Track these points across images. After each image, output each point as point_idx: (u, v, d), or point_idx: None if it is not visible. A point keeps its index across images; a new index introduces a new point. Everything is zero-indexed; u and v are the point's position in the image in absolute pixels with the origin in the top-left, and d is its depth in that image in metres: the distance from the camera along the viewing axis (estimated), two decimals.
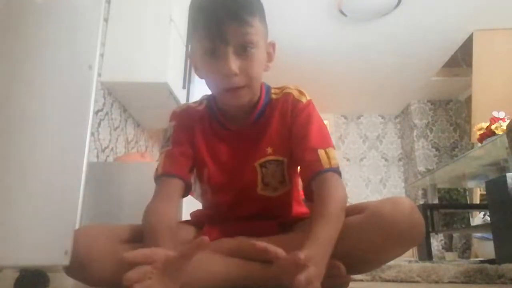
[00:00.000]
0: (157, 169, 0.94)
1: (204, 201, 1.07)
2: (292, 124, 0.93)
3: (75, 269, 0.75)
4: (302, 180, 0.91)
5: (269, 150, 0.94)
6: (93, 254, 0.77)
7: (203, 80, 0.93)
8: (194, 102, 1.03)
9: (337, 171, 0.86)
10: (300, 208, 1.03)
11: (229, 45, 0.82)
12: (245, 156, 0.95)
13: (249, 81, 0.86)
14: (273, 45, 0.95)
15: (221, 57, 0.83)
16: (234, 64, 0.82)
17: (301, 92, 0.97)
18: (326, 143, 0.89)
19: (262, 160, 0.94)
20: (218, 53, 0.83)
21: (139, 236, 0.85)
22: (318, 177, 0.85)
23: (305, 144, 0.89)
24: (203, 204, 1.09)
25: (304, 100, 0.95)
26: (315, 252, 0.68)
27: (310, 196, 0.87)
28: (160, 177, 0.92)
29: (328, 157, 0.86)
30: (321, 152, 0.87)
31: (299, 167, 0.95)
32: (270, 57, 0.94)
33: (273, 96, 0.97)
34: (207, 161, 0.96)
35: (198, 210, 1.08)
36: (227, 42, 0.82)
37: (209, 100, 1.00)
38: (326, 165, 0.85)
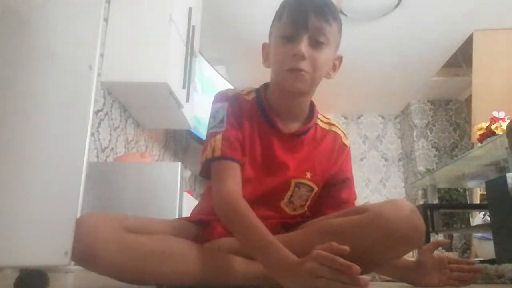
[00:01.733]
0: (213, 150, 0.91)
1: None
2: (337, 165, 1.03)
3: (80, 254, 0.74)
4: (326, 207, 1.01)
5: (308, 174, 0.99)
6: (99, 236, 0.76)
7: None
8: (243, 90, 1.03)
9: None
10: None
11: (307, 33, 0.90)
12: (283, 168, 0.97)
13: (312, 70, 0.91)
14: (340, 58, 1.03)
15: (296, 41, 0.90)
16: (305, 48, 0.89)
17: (346, 136, 1.08)
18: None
19: (300, 180, 0.98)
20: (294, 39, 0.90)
21: (144, 227, 0.85)
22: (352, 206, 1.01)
23: (348, 186, 1.04)
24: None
25: (348, 145, 1.07)
26: None
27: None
28: (223, 159, 0.90)
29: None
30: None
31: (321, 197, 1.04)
32: (335, 67, 1.02)
33: (320, 123, 1.05)
34: (245, 153, 0.95)
35: (198, 207, 1.08)
36: (306, 29, 0.90)
37: (259, 95, 1.01)
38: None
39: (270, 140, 0.97)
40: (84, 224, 0.73)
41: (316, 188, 1.00)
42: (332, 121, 1.09)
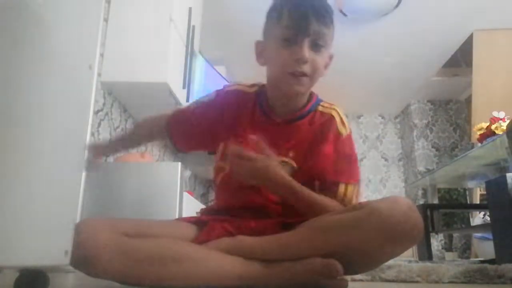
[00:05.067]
0: (175, 111, 1.13)
1: (218, 188, 1.08)
2: (324, 150, 0.99)
3: (81, 260, 0.74)
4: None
5: (291, 153, 1.00)
6: (99, 242, 0.76)
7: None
8: (247, 84, 1.10)
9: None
10: None
11: (308, 37, 0.93)
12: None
13: (313, 72, 0.95)
14: (331, 56, 1.03)
15: (297, 45, 0.93)
16: (308, 52, 0.93)
17: (343, 123, 1.04)
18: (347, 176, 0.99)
19: (281, 159, 0.98)
20: (294, 42, 0.93)
21: (143, 231, 0.86)
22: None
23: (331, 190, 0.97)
24: (217, 192, 1.10)
25: (344, 134, 1.02)
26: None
27: None
28: (167, 122, 1.11)
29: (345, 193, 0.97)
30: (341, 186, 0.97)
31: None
32: (327, 65, 1.02)
33: (320, 108, 1.05)
34: (237, 143, 1.00)
35: (207, 208, 1.10)
36: (308, 34, 0.93)
37: (261, 89, 1.07)
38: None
39: (263, 127, 1.01)
40: (83, 230, 0.74)
41: (295, 165, 0.99)
42: (336, 107, 1.07)
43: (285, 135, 1.01)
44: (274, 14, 0.98)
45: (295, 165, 0.99)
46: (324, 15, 0.94)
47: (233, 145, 0.93)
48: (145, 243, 0.82)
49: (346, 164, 1.00)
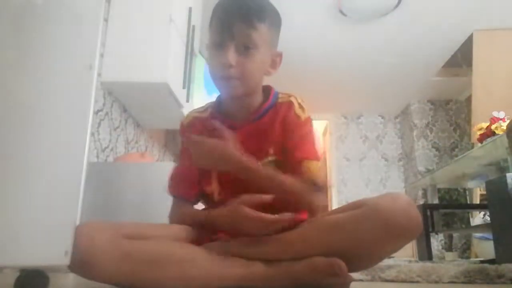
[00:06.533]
0: (169, 183, 1.11)
1: (208, 201, 1.08)
2: (286, 135, 0.99)
3: (78, 263, 0.73)
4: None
5: (271, 150, 0.99)
6: (96, 246, 0.76)
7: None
8: (200, 109, 1.11)
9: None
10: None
11: (233, 41, 0.92)
12: (251, 155, 0.97)
13: (243, 75, 0.94)
14: (280, 54, 1.03)
15: (224, 49, 0.93)
16: (232, 56, 0.92)
17: (301, 108, 1.02)
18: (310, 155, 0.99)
19: (266, 159, 0.98)
20: (222, 47, 0.93)
21: (142, 233, 0.85)
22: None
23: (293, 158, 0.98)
24: (206, 204, 1.10)
25: (302, 117, 1.01)
26: None
27: None
28: (173, 196, 1.09)
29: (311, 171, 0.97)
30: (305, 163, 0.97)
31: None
32: (274, 64, 1.03)
33: (279, 100, 1.04)
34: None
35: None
36: (232, 38, 0.92)
37: (212, 107, 1.07)
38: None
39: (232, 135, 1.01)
40: (81, 233, 0.73)
41: (279, 159, 1.00)
42: (293, 94, 1.05)
43: (256, 137, 1.00)
44: (210, 21, 0.99)
45: (279, 159, 0.99)
46: (250, 17, 0.92)
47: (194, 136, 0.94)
48: (145, 245, 0.81)
49: (304, 142, 1.00)
